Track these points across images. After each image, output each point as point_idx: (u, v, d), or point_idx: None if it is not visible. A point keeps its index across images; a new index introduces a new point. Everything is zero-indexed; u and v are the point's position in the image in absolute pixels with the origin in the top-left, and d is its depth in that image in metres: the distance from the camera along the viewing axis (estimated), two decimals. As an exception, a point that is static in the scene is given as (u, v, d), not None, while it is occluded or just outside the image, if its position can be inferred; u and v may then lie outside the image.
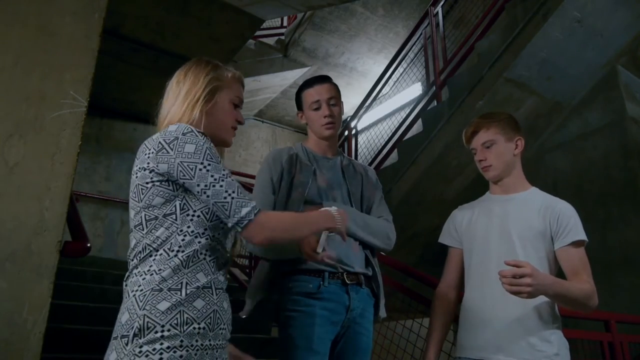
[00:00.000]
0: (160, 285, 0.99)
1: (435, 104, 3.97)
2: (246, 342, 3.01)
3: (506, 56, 3.31)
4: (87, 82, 1.62)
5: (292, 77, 6.68)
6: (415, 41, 4.59)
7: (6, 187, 1.43)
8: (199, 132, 1.09)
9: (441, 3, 4.25)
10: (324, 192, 1.65)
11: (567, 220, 1.56)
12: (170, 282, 1.00)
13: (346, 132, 4.87)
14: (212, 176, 1.03)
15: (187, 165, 1.03)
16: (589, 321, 2.43)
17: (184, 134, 1.07)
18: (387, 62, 5.00)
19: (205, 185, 1.02)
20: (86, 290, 2.98)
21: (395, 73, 4.79)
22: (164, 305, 0.96)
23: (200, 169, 1.03)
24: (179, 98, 1.18)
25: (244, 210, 1.02)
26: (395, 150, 4.23)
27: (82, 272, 3.53)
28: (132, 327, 0.95)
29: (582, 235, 1.56)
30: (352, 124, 4.87)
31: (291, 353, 1.49)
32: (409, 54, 4.71)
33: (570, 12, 3.07)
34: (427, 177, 3.77)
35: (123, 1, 4.02)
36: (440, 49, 4.10)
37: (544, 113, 3.73)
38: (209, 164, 1.04)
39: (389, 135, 4.52)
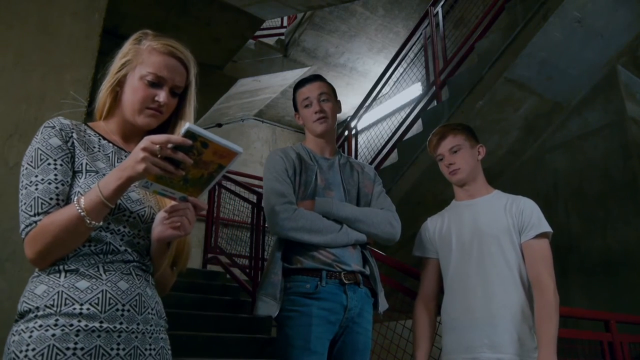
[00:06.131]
0: (40, 272, 1.00)
1: (435, 104, 3.96)
2: (246, 342, 3.01)
3: (506, 56, 3.31)
4: (87, 82, 1.62)
5: (292, 77, 6.67)
6: (415, 41, 4.59)
7: (6, 187, 1.43)
8: (50, 126, 1.04)
9: (441, 3, 4.24)
10: (322, 192, 1.66)
11: (529, 215, 1.63)
12: (50, 269, 0.99)
13: (346, 132, 4.87)
14: (22, 181, 1.02)
15: (22, 164, 1.03)
16: (589, 321, 2.43)
17: (39, 130, 1.05)
18: (387, 62, 4.99)
19: (19, 188, 1.02)
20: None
21: (395, 73, 4.78)
22: (40, 289, 0.97)
23: (22, 172, 1.03)
24: (103, 84, 1.13)
25: (21, 227, 0.99)
26: (395, 150, 4.23)
27: (82, 272, 3.53)
28: (17, 313, 0.99)
29: (544, 228, 1.61)
30: (352, 124, 4.86)
31: (289, 353, 1.49)
32: (409, 54, 4.70)
33: (570, 12, 3.07)
34: (427, 177, 3.76)
35: (123, 1, 4.02)
36: (440, 49, 4.10)
37: (544, 113, 3.73)
38: (26, 168, 1.02)
39: (389, 135, 4.52)
